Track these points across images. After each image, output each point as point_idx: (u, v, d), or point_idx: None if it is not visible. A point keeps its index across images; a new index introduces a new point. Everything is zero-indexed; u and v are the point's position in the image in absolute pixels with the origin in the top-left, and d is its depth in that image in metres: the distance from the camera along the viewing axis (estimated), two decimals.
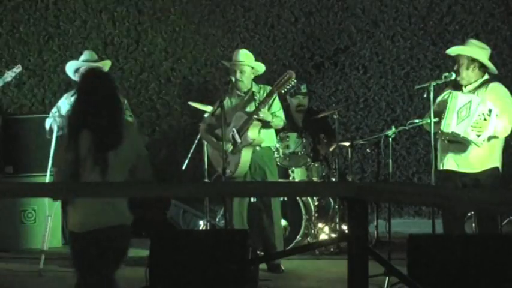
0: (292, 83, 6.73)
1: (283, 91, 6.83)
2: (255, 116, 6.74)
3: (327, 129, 8.11)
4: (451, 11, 9.28)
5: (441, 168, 6.36)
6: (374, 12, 9.34)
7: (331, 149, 7.91)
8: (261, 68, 7.04)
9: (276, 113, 6.88)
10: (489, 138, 6.16)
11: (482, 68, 6.29)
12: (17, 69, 6.93)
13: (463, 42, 6.84)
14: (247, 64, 6.96)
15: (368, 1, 9.33)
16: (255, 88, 6.99)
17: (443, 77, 6.28)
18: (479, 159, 6.22)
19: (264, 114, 6.74)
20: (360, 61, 9.39)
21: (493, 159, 6.25)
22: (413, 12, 9.31)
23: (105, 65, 7.33)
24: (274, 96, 6.83)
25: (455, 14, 9.26)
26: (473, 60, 6.26)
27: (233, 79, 6.94)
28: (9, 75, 7.00)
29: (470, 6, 9.25)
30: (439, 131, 6.26)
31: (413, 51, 9.31)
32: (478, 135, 6.07)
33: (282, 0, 9.41)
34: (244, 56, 7.01)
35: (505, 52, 9.12)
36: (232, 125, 6.87)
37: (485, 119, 6.03)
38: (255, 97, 6.92)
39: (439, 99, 6.43)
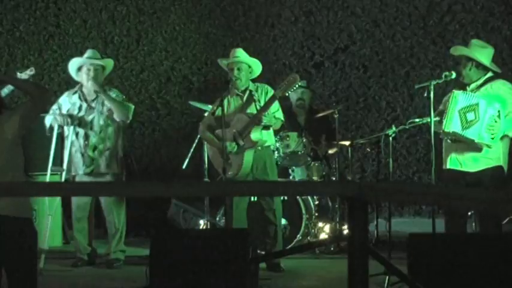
0: (296, 86, 6.74)
1: (286, 94, 6.83)
2: (259, 121, 6.74)
3: (328, 129, 8.11)
4: (451, 11, 9.27)
5: (445, 167, 6.37)
6: (374, 12, 9.34)
7: (332, 151, 7.90)
8: (257, 67, 7.04)
9: (275, 113, 6.89)
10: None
11: (482, 66, 6.30)
12: (30, 71, 6.90)
13: (463, 41, 6.88)
14: (245, 61, 6.97)
15: (368, 0, 9.33)
16: (252, 87, 6.99)
17: (443, 76, 6.28)
18: (481, 158, 6.23)
19: (267, 120, 6.76)
20: (360, 60, 9.39)
21: (496, 158, 6.25)
22: (414, 11, 9.31)
23: (108, 64, 7.32)
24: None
25: (456, 13, 9.26)
26: (470, 59, 6.28)
27: (232, 78, 6.95)
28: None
29: (470, 5, 9.25)
30: (441, 131, 6.27)
31: (414, 51, 9.31)
32: (492, 138, 6.10)
33: None
34: (241, 54, 7.02)
35: (505, 51, 9.11)
36: (233, 127, 6.87)
37: (495, 121, 6.07)
38: (254, 97, 6.93)
39: (445, 99, 6.45)
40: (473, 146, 6.18)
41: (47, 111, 7.03)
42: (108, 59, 7.41)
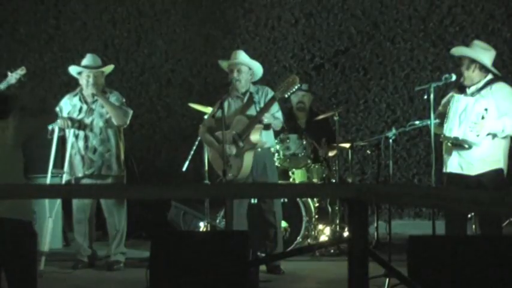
0: (296, 87, 6.74)
1: (286, 95, 6.84)
2: (260, 121, 6.75)
3: (328, 132, 8.11)
4: (451, 13, 9.28)
5: (445, 171, 6.37)
6: (374, 14, 9.35)
7: (332, 154, 7.91)
8: (258, 69, 7.04)
9: (275, 114, 6.89)
10: (493, 137, 6.17)
11: (484, 68, 6.29)
12: (21, 71, 6.91)
13: (463, 43, 6.86)
14: (244, 63, 6.97)
15: (368, 2, 9.34)
16: (252, 89, 6.99)
17: (443, 78, 6.28)
18: (482, 161, 6.22)
19: (268, 118, 6.77)
20: (360, 62, 9.39)
21: (497, 161, 6.25)
22: (414, 13, 9.32)
23: (107, 69, 7.32)
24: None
25: (456, 16, 9.27)
26: (473, 61, 6.27)
27: (232, 80, 6.95)
28: (13, 78, 6.99)
29: (471, 7, 9.25)
30: (442, 135, 6.27)
31: (414, 53, 9.32)
32: (477, 135, 6.09)
33: (282, 1, 9.42)
34: (242, 56, 7.02)
35: (505, 53, 9.12)
36: (232, 129, 6.86)
37: (482, 117, 6.06)
38: (254, 99, 6.93)
39: (444, 100, 6.44)
40: (473, 148, 6.17)
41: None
42: (106, 66, 7.37)
